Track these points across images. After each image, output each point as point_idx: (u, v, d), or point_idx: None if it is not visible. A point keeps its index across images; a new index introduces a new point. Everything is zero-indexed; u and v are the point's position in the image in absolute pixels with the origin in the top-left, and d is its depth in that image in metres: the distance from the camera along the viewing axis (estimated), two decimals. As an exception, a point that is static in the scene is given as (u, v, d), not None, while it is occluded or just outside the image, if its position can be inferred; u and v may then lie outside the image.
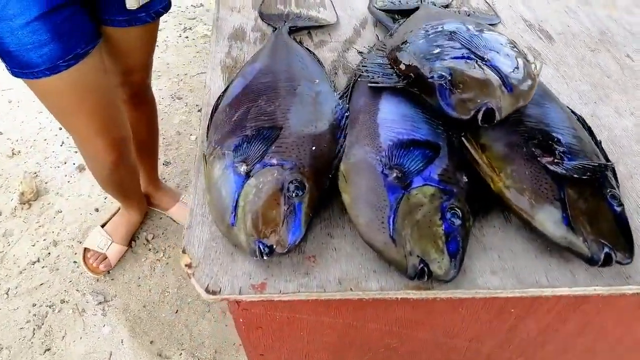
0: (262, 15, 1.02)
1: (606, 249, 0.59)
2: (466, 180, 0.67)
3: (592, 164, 0.65)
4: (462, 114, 0.62)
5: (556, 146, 0.67)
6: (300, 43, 0.96)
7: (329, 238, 0.67)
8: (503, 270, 0.64)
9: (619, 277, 0.64)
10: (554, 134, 0.69)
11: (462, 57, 0.69)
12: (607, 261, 0.59)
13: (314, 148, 0.68)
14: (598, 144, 0.75)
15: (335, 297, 0.61)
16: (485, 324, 0.75)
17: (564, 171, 0.63)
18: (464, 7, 1.09)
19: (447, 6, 1.08)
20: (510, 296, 0.64)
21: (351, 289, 0.61)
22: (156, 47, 1.28)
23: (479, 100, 0.62)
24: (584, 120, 0.79)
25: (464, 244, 0.61)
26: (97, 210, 1.84)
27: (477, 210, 0.67)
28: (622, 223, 0.62)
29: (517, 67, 0.68)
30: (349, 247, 0.66)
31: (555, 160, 0.65)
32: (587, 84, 0.92)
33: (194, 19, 2.82)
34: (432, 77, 0.66)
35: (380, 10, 1.05)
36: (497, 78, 0.65)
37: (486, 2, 1.11)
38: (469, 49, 0.70)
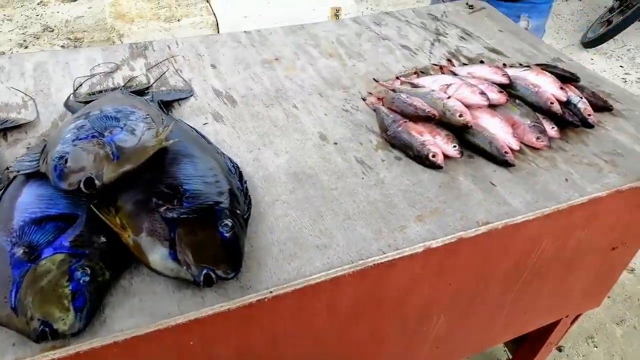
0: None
1: (205, 271, 0.71)
2: (104, 240, 0.76)
3: (204, 204, 0.79)
4: (70, 186, 0.72)
5: (178, 195, 0.80)
6: (-8, 145, 1.01)
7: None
8: (141, 310, 0.73)
9: (241, 290, 0.77)
10: (180, 186, 0.81)
11: (86, 137, 0.80)
12: (209, 280, 0.71)
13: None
14: (242, 184, 0.91)
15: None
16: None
17: (176, 215, 0.76)
18: (162, 87, 1.24)
19: (147, 88, 1.22)
20: (159, 329, 0.73)
21: (-17, 368, 0.65)
22: None
23: (82, 172, 0.73)
24: (237, 167, 0.96)
25: (93, 297, 0.70)
26: None
27: (121, 263, 0.77)
28: (229, 245, 0.76)
29: (132, 139, 0.81)
30: (-6, 328, 0.70)
31: (170, 207, 0.77)
32: (256, 135, 1.10)
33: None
34: (53, 159, 0.76)
35: (80, 102, 1.15)
36: (106, 151, 0.77)
37: (183, 79, 1.28)
38: (94, 129, 0.82)
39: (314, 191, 0.96)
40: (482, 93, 1.08)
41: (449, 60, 1.40)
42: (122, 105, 0.94)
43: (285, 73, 1.34)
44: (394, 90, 1.24)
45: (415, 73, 1.34)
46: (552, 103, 1.09)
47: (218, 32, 3.08)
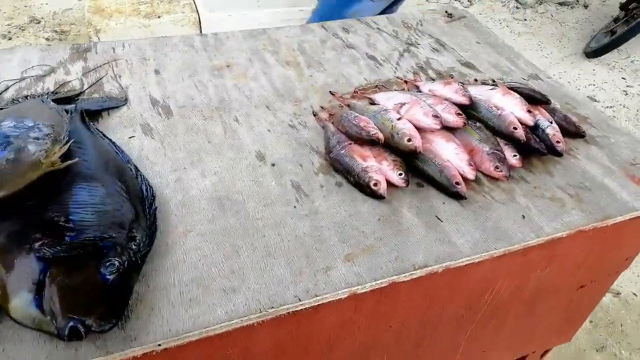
0: None
1: (72, 323, 0.61)
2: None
3: (90, 238, 0.69)
4: None
5: (62, 227, 0.69)
6: None
7: None
8: (0, 364, 0.63)
9: (124, 341, 0.66)
10: (67, 216, 0.71)
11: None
12: (75, 334, 0.61)
13: None
14: (150, 212, 0.81)
15: None
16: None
17: (51, 252, 0.66)
18: (95, 94, 1.14)
19: (78, 95, 1.12)
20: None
21: None
22: None
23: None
24: (152, 191, 0.85)
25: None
26: None
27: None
28: (111, 290, 0.65)
29: (13, 159, 0.71)
30: None
31: (48, 242, 0.67)
32: (185, 151, 1.00)
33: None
34: None
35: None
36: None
37: (120, 86, 1.17)
38: (-27, 147, 0.72)
39: (236, 221, 0.85)
40: (436, 115, 0.96)
41: (415, 73, 1.29)
42: (23, 118, 0.84)
43: (234, 81, 1.23)
44: (348, 106, 1.14)
45: (376, 87, 1.23)
46: (515, 128, 0.98)
47: (200, 30, 2.97)
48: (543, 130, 1.03)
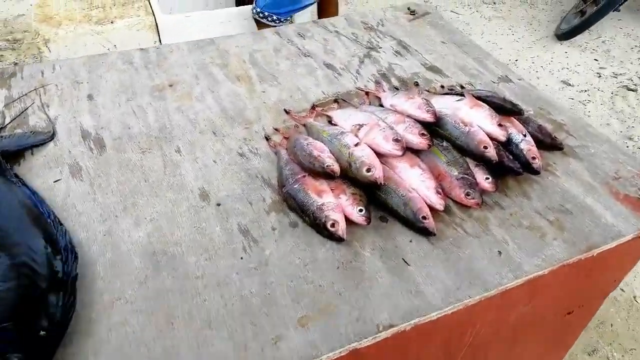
0: None
1: None
2: None
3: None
4: None
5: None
6: None
7: None
8: None
9: None
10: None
11: None
12: None
13: None
14: (70, 280, 0.69)
15: None
16: None
17: None
18: (18, 130, 1.00)
19: (1, 129, 0.99)
20: None
21: None
22: None
23: None
24: (74, 251, 0.73)
25: None
26: None
27: None
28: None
29: None
30: None
31: None
32: (118, 195, 0.87)
33: None
34: None
35: None
36: None
37: (47, 117, 1.04)
38: None
39: (172, 282, 0.74)
40: (397, 140, 0.86)
41: (377, 83, 1.18)
42: None
43: (178, 104, 1.10)
44: (305, 126, 1.03)
45: (335, 101, 1.12)
46: (485, 147, 0.88)
47: (158, 34, 2.81)
48: (517, 146, 0.93)
